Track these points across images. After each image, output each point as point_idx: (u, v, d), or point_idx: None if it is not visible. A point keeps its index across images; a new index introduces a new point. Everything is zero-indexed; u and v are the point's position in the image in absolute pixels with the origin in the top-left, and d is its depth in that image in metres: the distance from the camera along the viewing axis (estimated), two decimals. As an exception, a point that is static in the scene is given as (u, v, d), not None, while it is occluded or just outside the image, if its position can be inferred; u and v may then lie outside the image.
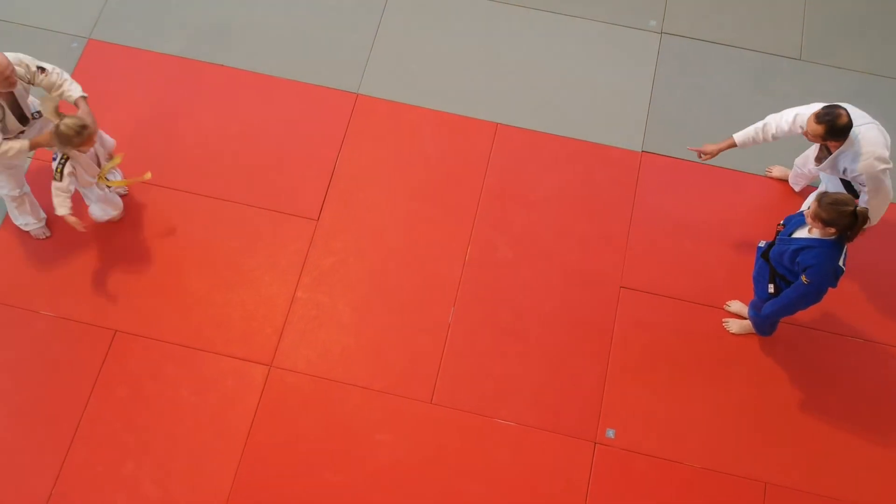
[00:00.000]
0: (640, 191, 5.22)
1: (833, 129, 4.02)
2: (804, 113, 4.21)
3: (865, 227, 3.94)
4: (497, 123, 5.40)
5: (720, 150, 4.60)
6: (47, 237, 5.01)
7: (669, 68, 5.59)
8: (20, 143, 4.36)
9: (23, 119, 4.43)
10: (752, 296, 4.56)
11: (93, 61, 5.55)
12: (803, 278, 3.95)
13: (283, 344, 4.81)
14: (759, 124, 4.42)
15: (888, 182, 4.21)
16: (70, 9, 5.72)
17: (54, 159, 4.40)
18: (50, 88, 4.40)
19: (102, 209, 4.86)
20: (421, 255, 5.03)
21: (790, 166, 5.12)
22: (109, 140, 4.72)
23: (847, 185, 4.46)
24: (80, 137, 4.22)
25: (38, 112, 4.56)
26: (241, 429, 4.61)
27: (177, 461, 4.54)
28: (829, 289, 4.03)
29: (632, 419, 4.66)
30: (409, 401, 4.69)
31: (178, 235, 5.04)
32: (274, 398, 4.68)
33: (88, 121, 4.26)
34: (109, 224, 5.05)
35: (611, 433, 4.63)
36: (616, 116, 5.44)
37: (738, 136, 4.50)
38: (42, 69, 4.34)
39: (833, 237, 3.84)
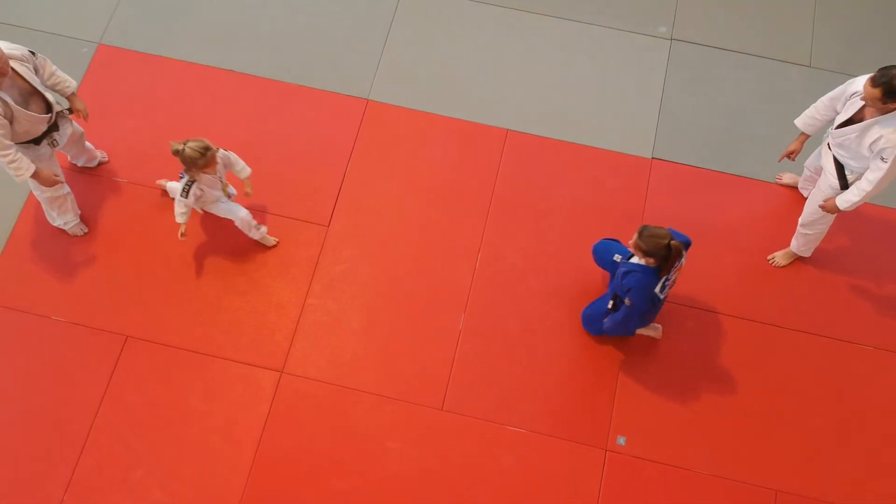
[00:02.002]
0: (650, 198, 5.22)
1: (891, 89, 3.96)
2: (863, 78, 4.19)
3: (859, 200, 4.25)
4: (507, 130, 5.41)
5: (801, 144, 4.69)
6: (84, 233, 5.03)
7: (679, 75, 5.59)
8: (28, 166, 4.34)
9: (48, 107, 4.37)
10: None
11: (103, 66, 5.56)
12: (626, 300, 4.28)
13: (293, 350, 4.81)
14: (812, 107, 4.52)
15: None
16: (80, 14, 5.73)
17: (181, 178, 4.48)
18: (45, 69, 4.42)
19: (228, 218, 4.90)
20: (431, 261, 5.03)
21: (801, 173, 5.12)
22: (227, 154, 4.70)
23: (840, 169, 4.43)
24: (204, 159, 4.32)
25: (68, 109, 4.58)
26: (251, 435, 4.61)
27: (186, 468, 4.54)
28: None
29: (643, 426, 4.66)
30: (419, 407, 4.69)
31: (188, 241, 5.04)
32: (284, 404, 4.68)
33: (211, 143, 4.36)
34: (120, 231, 5.06)
35: (621, 440, 4.63)
36: (626, 123, 5.44)
37: (799, 123, 4.59)
38: (32, 52, 4.32)
39: (653, 266, 4.14)
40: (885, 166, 4.14)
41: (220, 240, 5.07)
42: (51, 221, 4.96)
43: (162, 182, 5.12)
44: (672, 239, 4.05)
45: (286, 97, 5.48)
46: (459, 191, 5.22)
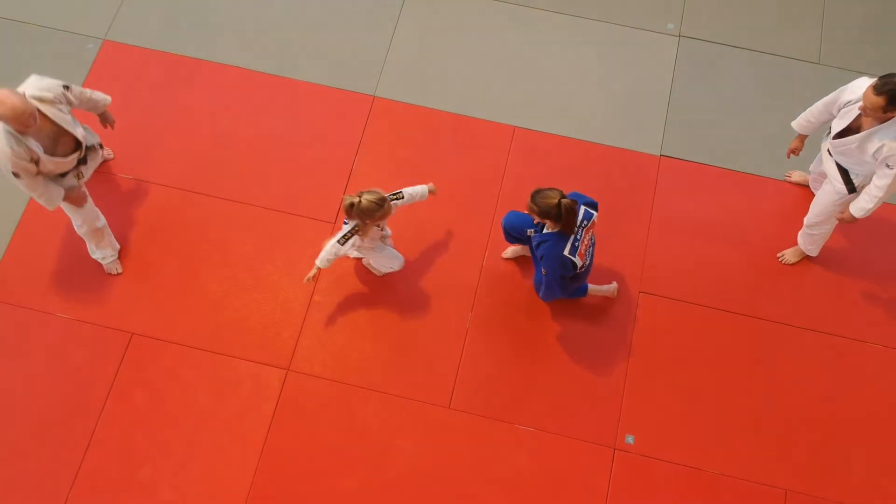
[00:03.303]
0: (658, 195, 5.19)
1: (894, 98, 3.88)
2: (855, 85, 4.15)
3: (873, 206, 4.18)
4: (514, 127, 5.38)
5: (801, 142, 4.69)
6: (119, 273, 4.93)
7: (688, 72, 5.56)
8: (56, 196, 4.30)
9: (77, 145, 4.29)
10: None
11: (108, 62, 5.53)
12: (543, 270, 4.37)
13: (300, 348, 4.78)
14: (808, 111, 4.49)
15: None
16: (85, 10, 5.70)
17: (345, 224, 4.38)
18: (80, 99, 4.37)
19: (385, 265, 4.79)
20: (438, 259, 5.01)
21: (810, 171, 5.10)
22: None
23: (844, 174, 4.39)
24: (381, 211, 4.21)
25: (99, 144, 4.56)
26: (258, 433, 4.58)
27: (193, 466, 4.52)
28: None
29: (651, 425, 4.63)
30: (426, 406, 4.66)
31: (194, 238, 5.02)
32: (291, 402, 4.65)
33: (386, 195, 4.27)
34: (126, 228, 5.04)
35: (630, 439, 4.60)
36: (634, 120, 5.41)
37: (795, 125, 4.59)
38: (66, 86, 4.22)
39: (558, 231, 4.19)
40: (893, 172, 4.11)
41: (225, 237, 5.05)
42: (91, 254, 4.88)
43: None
44: (564, 197, 4.08)
45: (293, 94, 5.45)
46: (467, 188, 5.19)
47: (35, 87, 4.08)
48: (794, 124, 4.61)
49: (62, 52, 5.54)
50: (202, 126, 5.35)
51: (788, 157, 4.80)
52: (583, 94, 5.50)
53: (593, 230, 4.36)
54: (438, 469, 4.53)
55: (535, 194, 4.13)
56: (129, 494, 4.46)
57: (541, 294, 4.60)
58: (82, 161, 4.41)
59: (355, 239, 4.36)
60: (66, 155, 4.23)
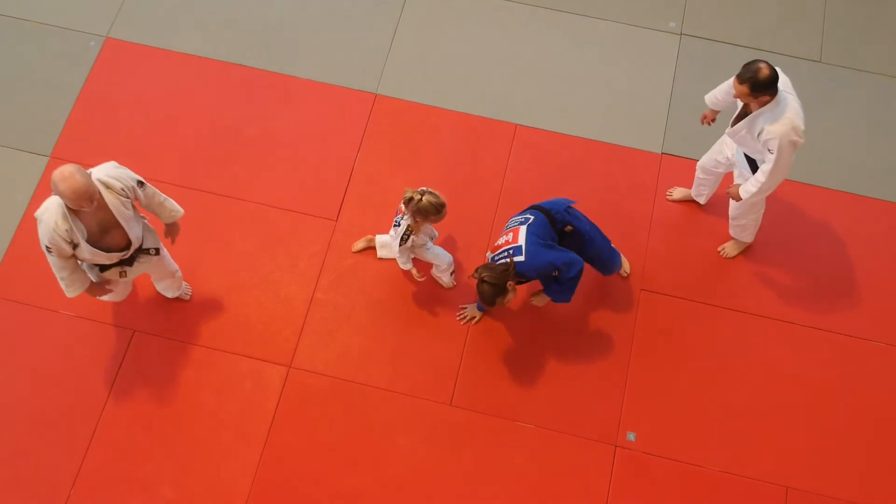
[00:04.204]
0: (660, 193, 5.19)
1: (756, 83, 3.95)
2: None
3: (757, 190, 4.25)
4: (516, 125, 5.38)
5: (714, 114, 4.67)
6: (189, 296, 4.89)
7: (689, 70, 5.57)
8: (79, 287, 4.05)
9: (128, 243, 3.97)
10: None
11: (110, 60, 5.54)
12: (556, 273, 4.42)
13: (301, 345, 4.79)
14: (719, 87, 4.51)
15: (791, 157, 4.16)
16: (88, 7, 5.71)
17: (396, 225, 4.48)
18: (150, 201, 4.09)
19: (439, 263, 4.82)
20: (440, 256, 5.01)
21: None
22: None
23: (752, 164, 4.41)
24: (437, 215, 4.34)
25: (156, 249, 4.20)
26: (259, 430, 4.59)
27: (195, 463, 4.52)
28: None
29: (653, 422, 4.64)
30: (428, 403, 4.67)
31: (195, 235, 5.02)
32: (293, 400, 4.66)
33: (445, 201, 4.36)
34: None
35: (631, 436, 4.61)
36: (636, 118, 5.42)
37: (707, 96, 4.59)
38: (141, 182, 3.98)
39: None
40: (773, 157, 4.12)
41: (227, 234, 5.05)
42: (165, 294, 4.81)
43: (368, 239, 5.01)
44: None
45: (295, 91, 5.46)
46: (468, 186, 5.20)
47: (107, 172, 3.86)
48: (706, 97, 4.59)
49: (64, 50, 5.55)
50: (204, 123, 5.36)
51: (701, 122, 4.75)
52: (584, 91, 5.50)
53: (513, 233, 4.36)
54: (440, 466, 4.54)
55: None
56: (130, 492, 4.47)
57: (562, 298, 4.56)
58: (127, 261, 4.09)
59: (412, 238, 4.47)
60: (110, 250, 3.92)
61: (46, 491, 4.47)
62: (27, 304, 4.85)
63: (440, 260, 4.76)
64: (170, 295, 4.79)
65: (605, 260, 4.66)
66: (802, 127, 4.08)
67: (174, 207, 4.23)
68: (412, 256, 4.66)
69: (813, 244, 5.07)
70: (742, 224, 4.80)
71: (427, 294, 4.92)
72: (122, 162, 5.15)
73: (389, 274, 4.96)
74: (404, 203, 4.36)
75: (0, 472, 4.50)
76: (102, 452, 4.55)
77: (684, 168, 5.25)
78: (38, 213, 3.80)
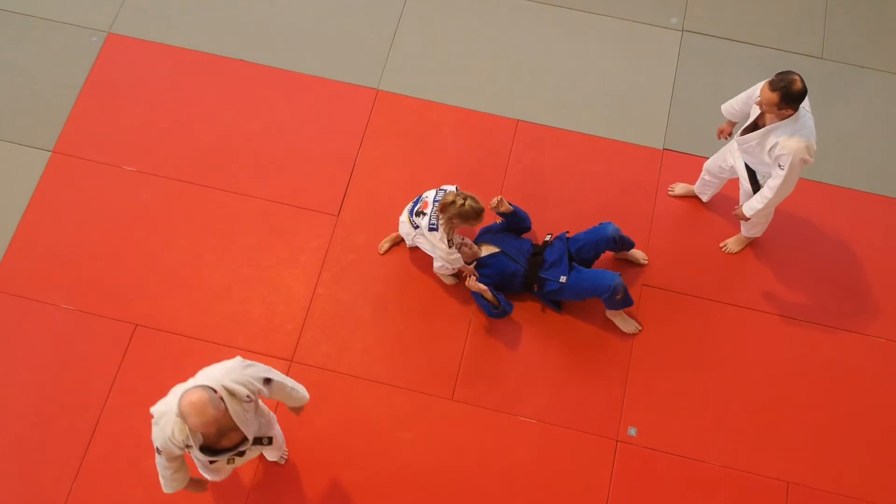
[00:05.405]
0: (661, 188, 5.20)
1: (787, 94, 3.92)
2: (759, 85, 4.17)
3: (762, 207, 4.29)
4: (518, 120, 5.39)
5: (731, 126, 4.64)
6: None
7: (690, 66, 5.57)
8: (179, 485, 3.76)
9: (243, 440, 3.59)
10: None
11: (112, 56, 5.55)
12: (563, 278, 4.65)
13: (303, 340, 4.79)
14: (736, 97, 4.47)
15: (798, 175, 4.17)
16: (90, 3, 5.71)
17: (431, 228, 4.46)
18: (278, 394, 3.78)
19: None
20: (441, 251, 5.02)
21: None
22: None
23: (752, 176, 4.42)
24: (477, 220, 4.39)
25: (269, 438, 3.81)
26: (261, 424, 4.59)
27: (197, 456, 4.53)
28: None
29: (654, 417, 4.64)
30: (430, 397, 4.67)
31: (198, 230, 5.03)
32: (294, 394, 4.66)
33: (483, 207, 4.39)
34: (129, 220, 5.05)
35: (633, 431, 4.61)
36: (637, 114, 5.42)
37: (723, 107, 4.54)
38: (268, 380, 3.64)
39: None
40: (783, 173, 4.13)
41: (229, 229, 5.06)
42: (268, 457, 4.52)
43: (393, 237, 4.99)
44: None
45: (297, 87, 5.47)
46: (470, 181, 5.19)
47: (234, 378, 3.49)
48: (722, 107, 4.56)
49: (66, 46, 5.56)
50: (206, 119, 5.36)
51: (718, 137, 4.75)
52: (586, 87, 5.51)
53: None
54: (441, 460, 4.54)
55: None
56: (132, 486, 4.47)
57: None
58: (240, 453, 3.73)
59: (455, 238, 4.52)
60: (224, 451, 3.60)
61: (49, 484, 4.47)
62: (29, 299, 4.86)
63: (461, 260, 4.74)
64: (269, 459, 4.55)
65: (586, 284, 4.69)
66: (815, 147, 4.09)
67: (301, 395, 3.92)
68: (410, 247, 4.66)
69: (814, 240, 5.08)
70: (753, 222, 4.80)
71: (428, 289, 4.93)
72: (124, 157, 5.24)
73: (391, 269, 4.97)
74: (443, 206, 4.33)
75: (2, 466, 4.51)
76: (105, 446, 4.55)
77: (686, 164, 5.25)
78: (156, 413, 3.52)
